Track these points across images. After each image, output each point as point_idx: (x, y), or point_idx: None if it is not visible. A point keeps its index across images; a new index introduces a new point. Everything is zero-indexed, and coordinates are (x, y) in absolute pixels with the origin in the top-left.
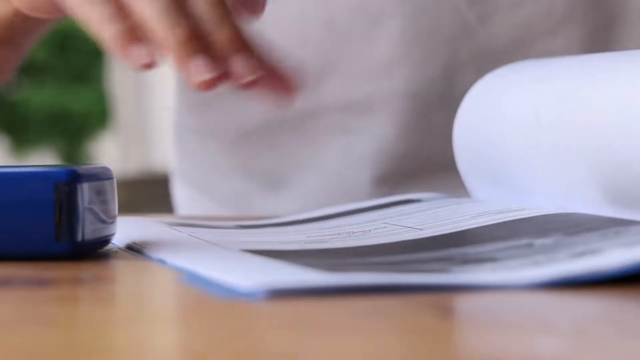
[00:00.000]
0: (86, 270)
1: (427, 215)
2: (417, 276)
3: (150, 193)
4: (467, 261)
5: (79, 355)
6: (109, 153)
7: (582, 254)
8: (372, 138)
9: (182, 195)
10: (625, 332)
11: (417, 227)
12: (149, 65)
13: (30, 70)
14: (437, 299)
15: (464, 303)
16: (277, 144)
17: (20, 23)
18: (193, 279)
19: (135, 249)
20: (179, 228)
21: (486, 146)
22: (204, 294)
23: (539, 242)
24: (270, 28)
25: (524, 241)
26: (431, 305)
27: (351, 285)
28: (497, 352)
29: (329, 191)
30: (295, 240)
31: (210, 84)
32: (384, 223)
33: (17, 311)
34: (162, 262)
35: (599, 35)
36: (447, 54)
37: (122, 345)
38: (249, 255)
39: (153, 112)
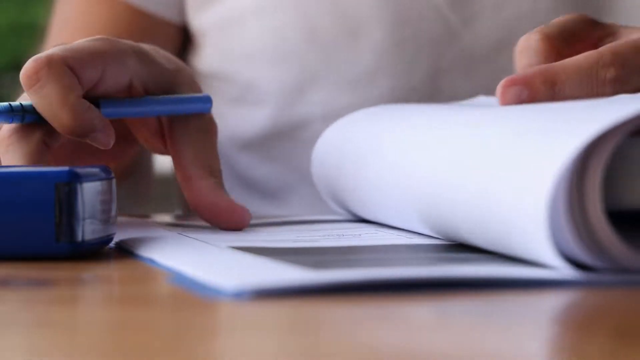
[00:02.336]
0: (86, 270)
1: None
2: (409, 270)
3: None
4: (455, 260)
5: (79, 355)
6: None
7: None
8: None
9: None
10: (624, 332)
11: (407, 236)
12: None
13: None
14: (435, 299)
15: (461, 302)
16: (273, 154)
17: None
18: (182, 279)
19: (125, 249)
20: (169, 227)
21: (338, 179)
22: (202, 295)
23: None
24: (252, 42)
25: None
26: (428, 304)
27: (339, 283)
28: (493, 351)
29: (319, 202)
30: (284, 239)
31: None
32: (376, 230)
33: (17, 311)
34: (151, 262)
35: None
36: (432, 59)
37: (121, 345)
38: (236, 252)
39: None
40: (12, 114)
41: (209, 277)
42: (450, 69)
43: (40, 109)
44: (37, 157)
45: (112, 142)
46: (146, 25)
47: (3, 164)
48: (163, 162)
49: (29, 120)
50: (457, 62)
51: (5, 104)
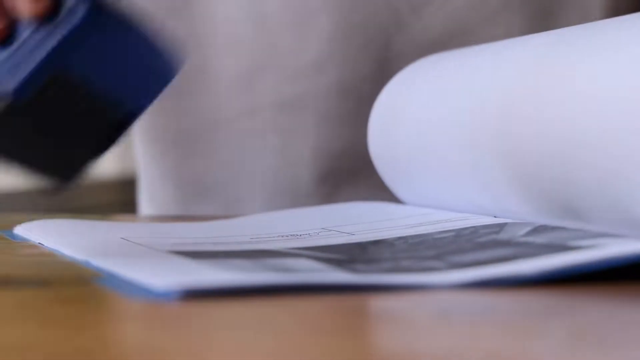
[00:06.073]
0: (85, 270)
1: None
2: (321, 275)
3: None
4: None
5: (79, 355)
6: None
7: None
8: (306, 136)
9: (141, 200)
10: (623, 332)
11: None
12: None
13: None
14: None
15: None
16: (209, 147)
17: None
18: (112, 280)
19: (61, 250)
20: (115, 230)
21: (402, 148)
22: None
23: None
24: (202, 28)
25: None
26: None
27: (259, 285)
28: (496, 351)
29: (267, 194)
30: (230, 241)
31: None
32: (323, 228)
33: (17, 311)
34: (87, 263)
35: (538, 22)
36: (381, 47)
37: (121, 345)
38: (173, 256)
39: None
40: None
41: (139, 277)
42: (399, 57)
43: None
44: None
45: None
46: None
47: None
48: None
49: None
50: (406, 50)
51: None
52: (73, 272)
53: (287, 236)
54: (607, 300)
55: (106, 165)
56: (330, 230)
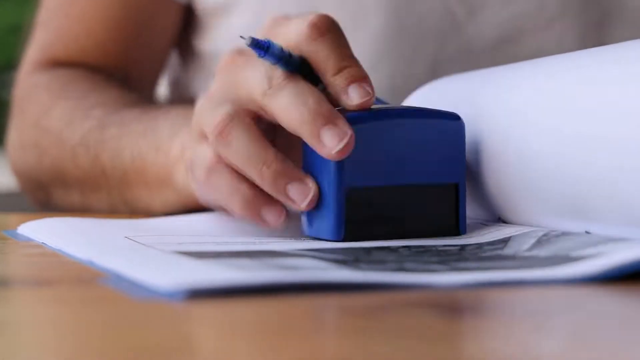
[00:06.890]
0: (86, 270)
1: None
2: (329, 273)
3: None
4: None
5: (79, 355)
6: None
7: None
8: None
9: None
10: (625, 331)
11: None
12: (283, 220)
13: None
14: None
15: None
16: None
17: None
18: (116, 280)
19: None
20: (118, 229)
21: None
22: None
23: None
24: (256, 25)
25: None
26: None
27: (264, 284)
28: (497, 352)
29: None
30: (234, 242)
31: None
32: None
33: (17, 311)
34: (91, 262)
35: (592, 33)
36: (433, 49)
37: (122, 345)
38: (177, 256)
39: None
40: (281, 55)
41: (144, 277)
42: (451, 60)
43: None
44: (320, 97)
45: None
46: (154, 3)
47: (279, 101)
48: None
49: (289, 69)
50: (458, 54)
51: (279, 45)
52: (76, 272)
53: (291, 240)
54: (607, 300)
55: None
56: None
